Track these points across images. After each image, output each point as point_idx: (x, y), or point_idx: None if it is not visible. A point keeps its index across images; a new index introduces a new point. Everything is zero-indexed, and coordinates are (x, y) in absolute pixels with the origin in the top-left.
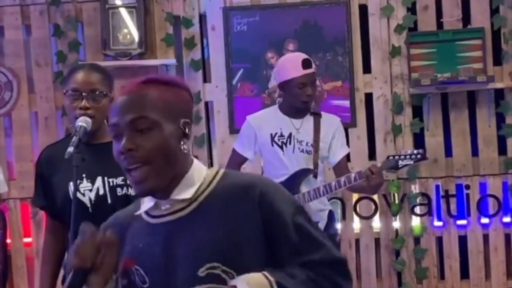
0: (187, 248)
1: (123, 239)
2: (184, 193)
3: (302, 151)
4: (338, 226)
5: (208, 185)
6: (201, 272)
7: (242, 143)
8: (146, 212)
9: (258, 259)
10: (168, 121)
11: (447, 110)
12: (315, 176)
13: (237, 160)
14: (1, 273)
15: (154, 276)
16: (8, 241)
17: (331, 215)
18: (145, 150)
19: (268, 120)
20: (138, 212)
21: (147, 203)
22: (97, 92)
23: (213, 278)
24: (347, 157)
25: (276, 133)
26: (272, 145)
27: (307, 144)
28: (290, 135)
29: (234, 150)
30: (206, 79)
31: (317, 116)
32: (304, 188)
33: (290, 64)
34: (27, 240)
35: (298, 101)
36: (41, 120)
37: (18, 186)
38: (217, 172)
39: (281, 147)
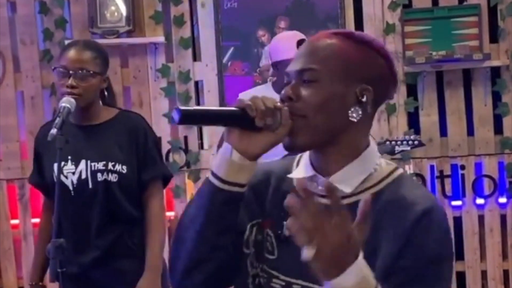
0: None
1: (267, 190)
2: (347, 182)
3: None
4: None
5: (377, 183)
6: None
7: None
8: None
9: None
10: (341, 80)
11: (442, 88)
12: None
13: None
14: None
15: (283, 254)
16: None
17: None
18: (303, 103)
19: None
20: (292, 176)
21: (303, 170)
22: (84, 71)
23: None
24: None
25: None
26: None
27: None
28: None
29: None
30: (195, 57)
31: None
32: None
33: (284, 44)
34: (14, 222)
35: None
36: (27, 100)
37: (4, 167)
38: (392, 171)
39: None
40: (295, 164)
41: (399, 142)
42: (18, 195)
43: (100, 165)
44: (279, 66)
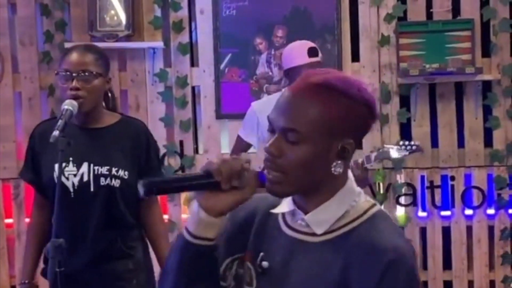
0: (304, 276)
1: (252, 226)
2: (322, 221)
3: None
4: None
5: (351, 221)
6: None
7: (245, 129)
8: (283, 215)
9: None
10: (324, 140)
11: (434, 101)
12: None
13: (241, 146)
14: None
15: (262, 285)
16: None
17: None
18: (286, 161)
19: (271, 105)
20: (275, 211)
21: (285, 205)
22: (87, 73)
23: None
24: None
25: None
26: None
27: None
28: None
29: (238, 136)
30: (193, 63)
31: None
32: None
33: (296, 52)
34: (8, 221)
35: None
36: (25, 101)
37: (0, 167)
38: (368, 209)
39: None
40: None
41: (397, 147)
42: (13, 195)
43: (104, 170)
44: (290, 73)
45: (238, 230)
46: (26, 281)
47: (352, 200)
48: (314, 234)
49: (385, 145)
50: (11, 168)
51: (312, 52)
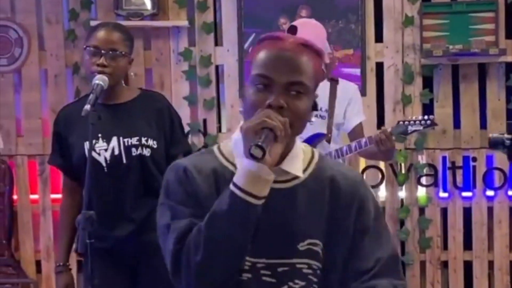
0: (289, 220)
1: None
2: (292, 166)
3: (317, 116)
4: None
5: (309, 164)
6: (301, 246)
7: None
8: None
9: (346, 250)
10: (314, 90)
11: (457, 82)
12: (328, 141)
13: None
14: (7, 229)
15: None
16: (15, 197)
17: None
18: (293, 112)
19: None
20: (230, 168)
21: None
22: (116, 52)
23: (312, 254)
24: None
25: None
26: None
27: (321, 109)
28: None
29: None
30: (217, 42)
31: (334, 82)
32: None
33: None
34: (34, 197)
35: None
36: (51, 78)
37: (26, 143)
38: (313, 152)
39: None
40: (223, 156)
41: (411, 122)
42: (38, 171)
43: (133, 140)
44: None
45: (210, 192)
46: (61, 264)
47: (301, 150)
48: (285, 181)
49: (400, 121)
50: (36, 144)
51: (290, 31)
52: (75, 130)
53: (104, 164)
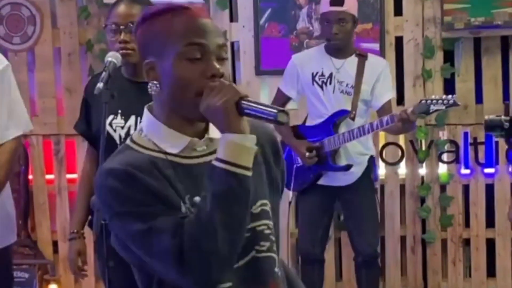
0: (253, 180)
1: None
2: (216, 133)
3: (342, 91)
4: None
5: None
6: (255, 209)
7: (285, 82)
8: (171, 155)
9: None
10: None
11: (479, 55)
12: (353, 119)
13: (281, 99)
14: (23, 210)
15: None
16: (30, 177)
17: (372, 160)
18: (226, 78)
19: (311, 59)
20: (172, 151)
21: (174, 143)
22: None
23: (265, 215)
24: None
25: (317, 73)
26: (313, 84)
27: (347, 85)
28: (330, 75)
29: (278, 89)
30: (232, 18)
31: (362, 57)
32: (343, 129)
33: (323, 0)
34: (49, 177)
35: (325, 38)
36: (64, 56)
37: (41, 123)
38: None
39: (321, 87)
40: (144, 148)
41: (434, 101)
42: (53, 151)
43: None
44: (319, 20)
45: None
46: (75, 231)
47: None
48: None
49: (422, 99)
50: (51, 124)
51: (334, 1)
52: (97, 102)
53: (118, 142)
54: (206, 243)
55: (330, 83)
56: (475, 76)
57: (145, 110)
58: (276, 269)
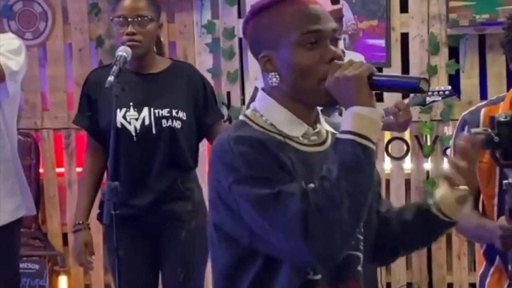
0: None
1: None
2: (324, 125)
3: None
4: None
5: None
6: None
7: None
8: (289, 139)
9: None
10: None
11: (484, 52)
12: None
13: None
14: (34, 202)
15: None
16: (41, 170)
17: None
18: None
19: None
20: (294, 134)
21: (294, 128)
22: (144, 18)
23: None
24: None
25: None
26: None
27: None
28: None
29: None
30: (241, 14)
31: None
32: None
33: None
34: (60, 170)
35: None
36: (75, 52)
37: (52, 117)
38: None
39: None
40: (260, 127)
41: (429, 93)
42: (64, 144)
43: (164, 112)
44: None
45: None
46: (81, 222)
47: None
48: (323, 143)
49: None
50: (62, 118)
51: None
52: (105, 95)
53: (133, 133)
54: (331, 212)
55: None
56: (480, 73)
57: (261, 92)
58: (359, 268)
